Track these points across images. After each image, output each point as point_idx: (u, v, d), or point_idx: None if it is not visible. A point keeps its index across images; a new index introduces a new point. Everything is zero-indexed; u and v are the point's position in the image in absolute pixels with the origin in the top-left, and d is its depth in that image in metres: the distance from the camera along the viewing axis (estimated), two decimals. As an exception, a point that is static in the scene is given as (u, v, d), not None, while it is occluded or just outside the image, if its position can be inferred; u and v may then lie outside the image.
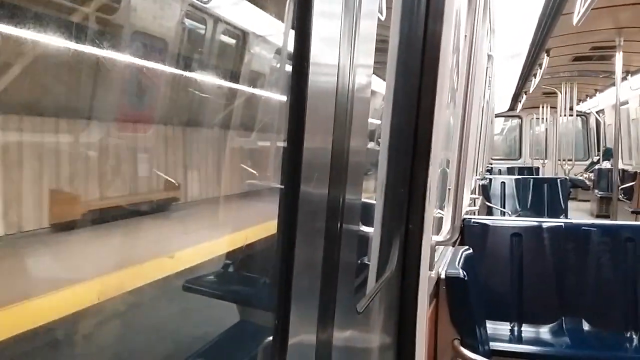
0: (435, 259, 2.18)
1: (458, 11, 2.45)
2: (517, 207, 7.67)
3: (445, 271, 2.23)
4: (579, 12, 5.30)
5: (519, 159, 17.81)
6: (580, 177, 13.94)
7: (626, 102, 11.58)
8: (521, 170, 12.98)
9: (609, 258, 3.46)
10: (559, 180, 8.14)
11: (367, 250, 1.64)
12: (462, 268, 2.26)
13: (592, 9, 5.05)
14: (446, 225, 2.14)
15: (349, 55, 0.95)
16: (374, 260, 1.62)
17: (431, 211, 1.77)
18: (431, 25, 1.72)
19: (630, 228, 3.78)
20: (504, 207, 7.52)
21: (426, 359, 1.86)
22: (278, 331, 0.82)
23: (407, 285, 1.73)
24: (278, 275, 0.82)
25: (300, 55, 0.79)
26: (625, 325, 3.32)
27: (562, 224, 3.60)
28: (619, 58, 7.50)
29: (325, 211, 0.90)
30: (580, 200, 14.16)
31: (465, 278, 2.20)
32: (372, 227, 1.63)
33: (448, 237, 2.03)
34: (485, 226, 3.60)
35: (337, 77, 0.91)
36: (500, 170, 12.61)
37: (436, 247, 2.10)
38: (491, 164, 13.31)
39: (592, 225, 3.57)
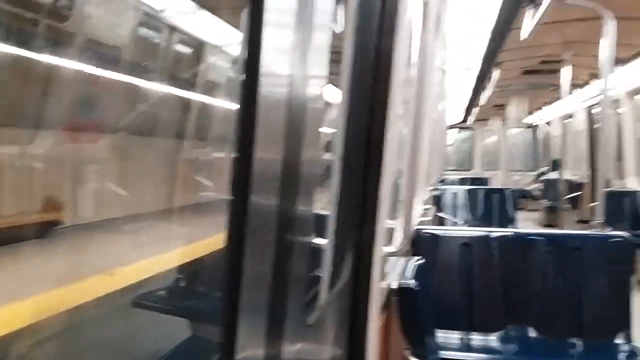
0: (388, 270, 2.20)
1: (411, 26, 2.50)
2: (468, 217, 7.82)
3: (397, 282, 2.25)
4: (528, 27, 5.49)
5: (471, 169, 18.24)
6: (529, 188, 14.37)
7: (573, 115, 12.03)
8: (473, 181, 13.24)
9: (555, 266, 3.56)
10: (508, 190, 8.34)
11: (320, 262, 1.64)
12: (413, 278, 2.28)
13: (540, 24, 5.24)
14: (398, 237, 2.16)
15: (301, 66, 0.96)
16: (326, 273, 1.62)
17: (383, 222, 1.79)
18: (384, 40, 1.75)
19: (576, 237, 3.92)
20: (456, 217, 7.66)
21: None
22: (225, 346, 0.81)
23: (359, 297, 1.74)
24: (225, 290, 0.81)
25: (250, 65, 0.79)
26: (570, 332, 3.43)
27: (510, 233, 3.70)
28: (565, 72, 7.80)
29: (275, 223, 0.90)
30: (529, 210, 14.57)
31: (416, 288, 2.23)
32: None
33: (399, 248, 2.05)
34: (436, 236, 3.66)
35: (289, 88, 0.91)
36: (453, 180, 12.85)
37: (388, 257, 2.12)
38: (444, 175, 13.57)
39: (539, 234, 3.68)
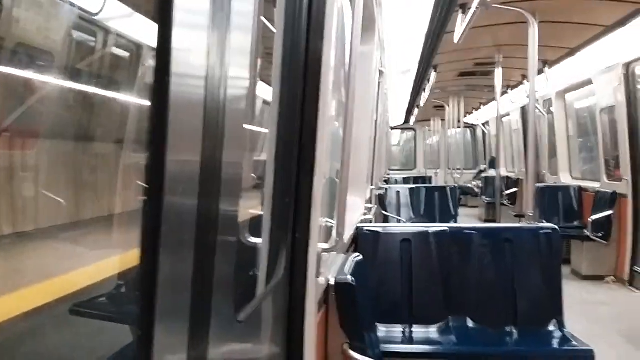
0: (326, 267, 2.24)
1: (343, 28, 2.56)
2: (412, 214, 8.01)
3: (335, 277, 2.30)
4: (460, 31, 5.67)
5: (414, 169, 18.67)
6: (469, 185, 14.84)
7: (508, 115, 12.50)
8: (416, 180, 13.56)
9: (490, 259, 3.70)
10: (449, 188, 8.61)
11: (255, 260, 1.66)
12: (351, 274, 2.33)
13: (472, 28, 5.43)
14: (334, 234, 2.21)
15: (220, 66, 0.96)
16: (262, 270, 1.64)
17: (317, 220, 1.83)
18: (312, 42, 1.79)
19: (508, 230, 4.10)
20: (400, 215, 7.83)
21: None
22: (142, 348, 0.79)
23: (295, 293, 1.77)
24: (142, 292, 0.80)
25: (161, 64, 0.78)
26: (506, 321, 3.57)
27: (447, 228, 3.82)
28: (498, 73, 8.10)
29: (193, 223, 0.90)
30: (470, 207, 15.05)
31: (354, 284, 2.28)
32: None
33: (334, 244, 2.10)
34: (377, 233, 3.74)
35: (205, 88, 0.91)
36: (396, 180, 13.12)
37: (326, 254, 2.16)
38: (389, 174, 13.82)
39: (474, 228, 3.82)
